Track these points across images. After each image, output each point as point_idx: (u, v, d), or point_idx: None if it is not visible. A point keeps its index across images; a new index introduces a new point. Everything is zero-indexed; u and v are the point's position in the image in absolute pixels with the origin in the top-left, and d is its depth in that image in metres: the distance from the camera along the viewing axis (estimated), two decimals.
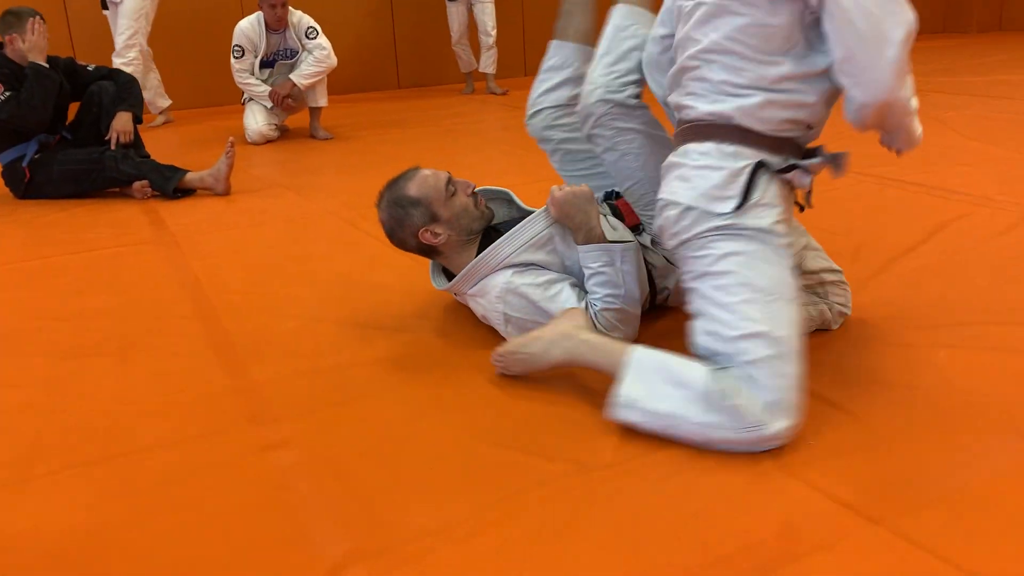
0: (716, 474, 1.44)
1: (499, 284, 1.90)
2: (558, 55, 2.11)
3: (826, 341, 1.92)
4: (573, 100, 2.07)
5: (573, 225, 1.85)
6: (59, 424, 1.73)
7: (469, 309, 2.20)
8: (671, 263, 2.00)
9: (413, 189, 1.94)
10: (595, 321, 1.84)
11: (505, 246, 1.91)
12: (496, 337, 2.03)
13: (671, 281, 2.03)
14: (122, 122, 3.73)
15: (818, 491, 1.37)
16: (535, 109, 2.15)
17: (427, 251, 1.99)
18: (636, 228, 2.03)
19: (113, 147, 3.70)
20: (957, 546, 1.23)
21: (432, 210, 1.92)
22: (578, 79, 2.05)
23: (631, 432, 1.58)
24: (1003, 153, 3.69)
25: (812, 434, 1.54)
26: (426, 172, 1.97)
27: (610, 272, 1.82)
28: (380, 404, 1.76)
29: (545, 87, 2.13)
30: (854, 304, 2.09)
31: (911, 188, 3.18)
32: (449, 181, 1.95)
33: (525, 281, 1.88)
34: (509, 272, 1.90)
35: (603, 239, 1.84)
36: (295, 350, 2.04)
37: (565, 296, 1.86)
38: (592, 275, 1.84)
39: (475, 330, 2.09)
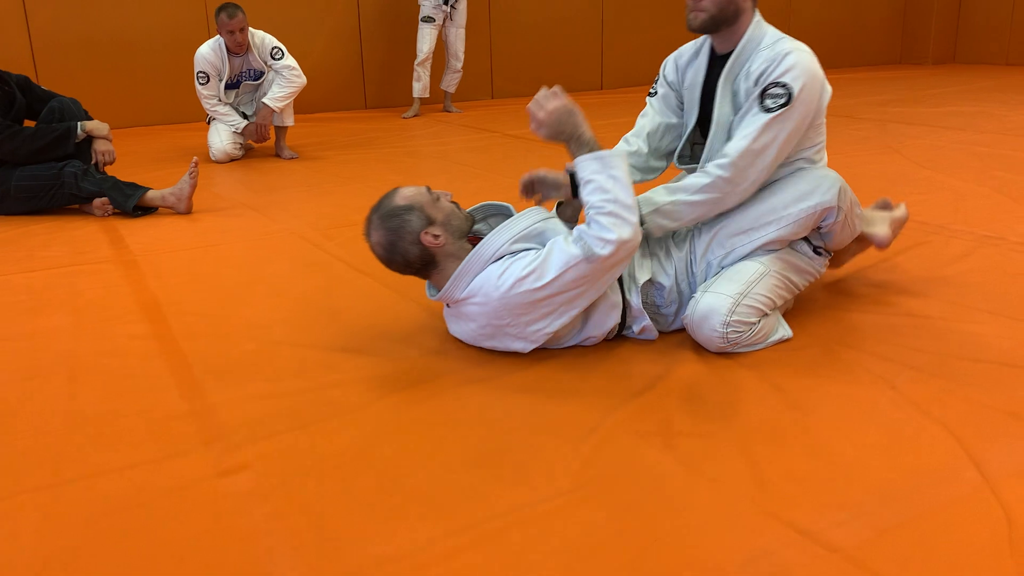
0: (677, 502, 1.44)
1: (495, 271, 1.92)
2: None
3: (780, 366, 1.95)
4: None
5: (564, 137, 1.96)
6: (7, 448, 1.68)
7: (435, 333, 2.20)
8: (650, 314, 2.12)
9: (401, 200, 1.97)
10: (588, 225, 1.89)
11: (497, 237, 1.96)
12: (460, 364, 2.02)
13: (638, 325, 2.09)
14: (105, 146, 3.73)
15: (775, 519, 1.38)
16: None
17: (427, 262, 1.98)
18: None
19: (101, 168, 3.73)
20: (915, 574, 1.24)
21: (426, 213, 1.95)
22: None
23: (594, 458, 1.58)
24: (956, 183, 3.77)
25: (769, 463, 1.55)
26: (406, 187, 2.01)
27: (601, 179, 1.90)
28: (340, 429, 1.74)
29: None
30: (807, 330, 2.13)
31: None
32: (429, 189, 2.01)
33: (523, 261, 1.91)
34: (502, 261, 1.93)
35: (594, 143, 1.95)
36: (254, 373, 2.01)
37: (558, 257, 1.88)
38: (586, 184, 1.92)
39: (438, 356, 2.08)
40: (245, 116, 4.99)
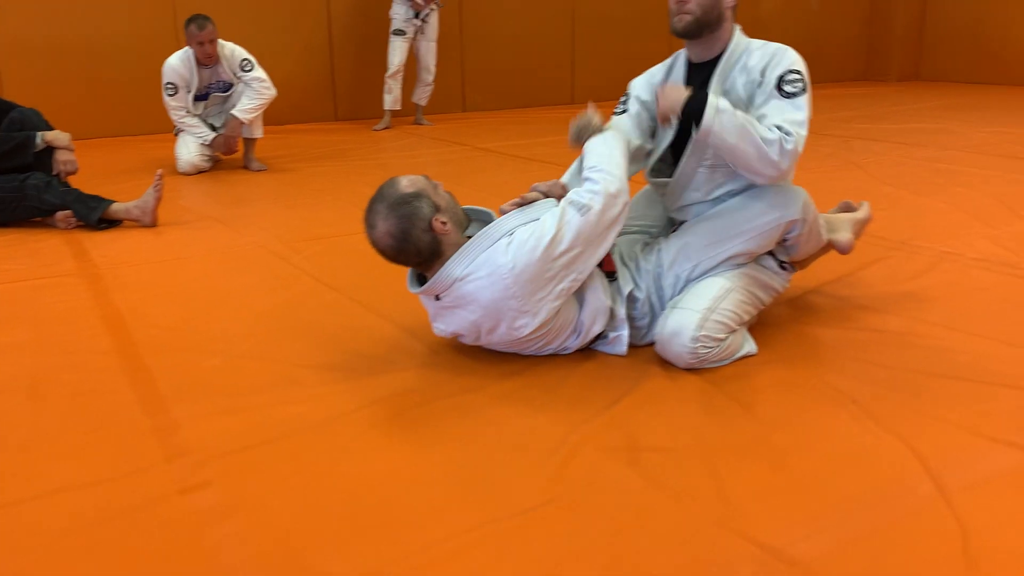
0: (642, 517, 1.45)
1: (501, 244, 1.93)
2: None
3: (743, 381, 1.97)
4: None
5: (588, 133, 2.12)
6: None
7: (402, 348, 2.19)
8: (631, 322, 2.13)
9: (407, 187, 1.95)
10: (581, 184, 2.01)
11: (511, 219, 1.98)
12: (426, 380, 2.02)
13: (615, 332, 2.11)
14: (66, 156, 3.69)
15: (738, 534, 1.39)
16: None
17: (434, 251, 1.96)
18: (611, 275, 2.12)
19: (64, 179, 3.68)
20: None
21: (433, 200, 1.95)
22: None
23: (560, 474, 1.58)
24: (917, 199, 3.84)
25: (733, 477, 1.57)
26: (405, 176, 2.00)
27: (600, 149, 2.05)
28: (304, 445, 1.73)
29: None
30: (770, 346, 2.16)
31: None
32: (427, 178, 2.01)
33: (524, 231, 1.94)
34: (506, 237, 1.95)
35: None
36: (219, 388, 1.99)
37: (555, 216, 1.95)
38: (586, 154, 2.07)
39: (405, 372, 2.08)
40: (213, 128, 4.96)
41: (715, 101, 1.98)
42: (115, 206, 3.58)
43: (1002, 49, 9.09)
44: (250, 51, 4.89)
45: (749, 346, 2.12)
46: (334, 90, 7.20)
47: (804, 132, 2.00)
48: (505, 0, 7.68)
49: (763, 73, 2.06)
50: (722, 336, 2.02)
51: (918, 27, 9.88)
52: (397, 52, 6.52)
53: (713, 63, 2.14)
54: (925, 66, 9.94)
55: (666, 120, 2.09)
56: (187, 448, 1.71)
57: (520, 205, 2.06)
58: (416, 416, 1.85)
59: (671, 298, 2.13)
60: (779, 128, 1.99)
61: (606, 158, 2.02)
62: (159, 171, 3.59)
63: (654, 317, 2.14)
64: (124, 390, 1.99)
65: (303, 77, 6.95)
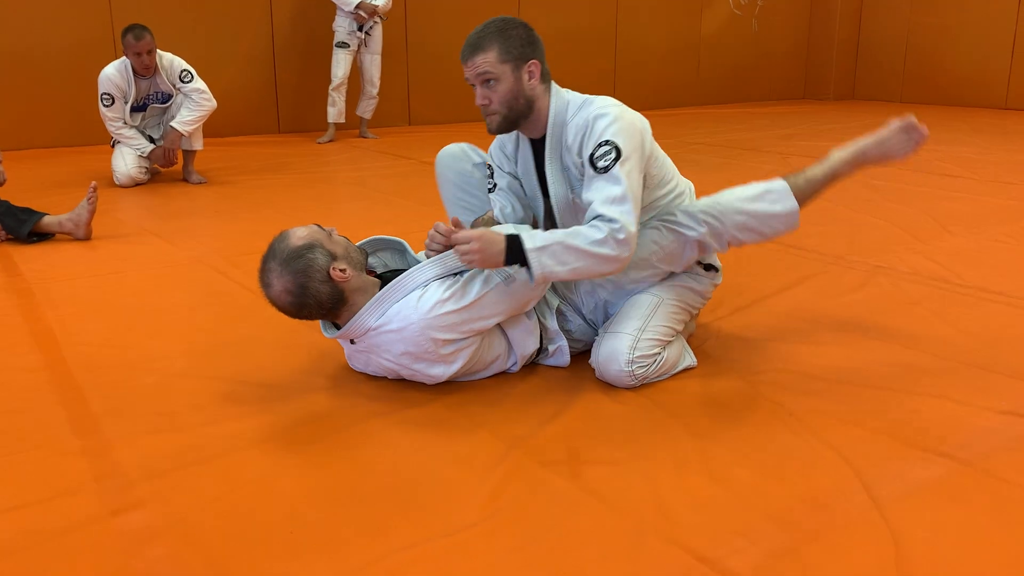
0: (583, 531, 1.45)
1: (413, 297, 1.89)
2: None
3: (681, 394, 1.99)
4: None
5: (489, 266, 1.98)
6: None
7: (342, 364, 2.17)
8: (568, 335, 2.15)
9: (298, 240, 1.91)
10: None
11: (424, 271, 1.93)
12: (366, 396, 2.00)
13: (553, 345, 2.13)
14: None
15: (677, 546, 1.40)
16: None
17: (336, 300, 1.92)
18: None
19: None
20: None
21: (327, 248, 1.91)
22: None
23: (500, 489, 1.58)
24: (853, 215, 3.94)
25: (672, 490, 1.58)
26: (296, 228, 1.96)
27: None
28: (239, 464, 1.69)
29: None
30: (709, 359, 2.20)
31: (769, 246, 3.34)
32: (320, 227, 1.97)
33: (443, 287, 1.90)
34: (420, 289, 1.91)
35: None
36: (153, 407, 1.95)
37: (479, 280, 1.93)
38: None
39: (344, 388, 2.06)
40: (152, 140, 4.86)
41: (531, 244, 1.86)
42: (47, 219, 3.48)
43: (930, 71, 9.43)
44: (190, 62, 4.82)
45: (689, 359, 2.14)
46: (277, 102, 7.12)
47: (628, 207, 1.88)
48: (450, 14, 7.70)
49: (580, 153, 2.00)
50: (656, 351, 2.04)
51: (853, 49, 10.18)
52: (341, 64, 6.48)
53: (544, 140, 2.10)
54: (860, 86, 10.25)
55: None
56: (119, 468, 1.67)
57: (447, 244, 1.96)
58: (355, 432, 1.82)
59: (596, 318, 2.16)
60: (602, 217, 1.88)
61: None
62: (93, 183, 3.50)
63: (587, 327, 2.17)
64: (53, 409, 1.93)
65: (245, 88, 6.87)
